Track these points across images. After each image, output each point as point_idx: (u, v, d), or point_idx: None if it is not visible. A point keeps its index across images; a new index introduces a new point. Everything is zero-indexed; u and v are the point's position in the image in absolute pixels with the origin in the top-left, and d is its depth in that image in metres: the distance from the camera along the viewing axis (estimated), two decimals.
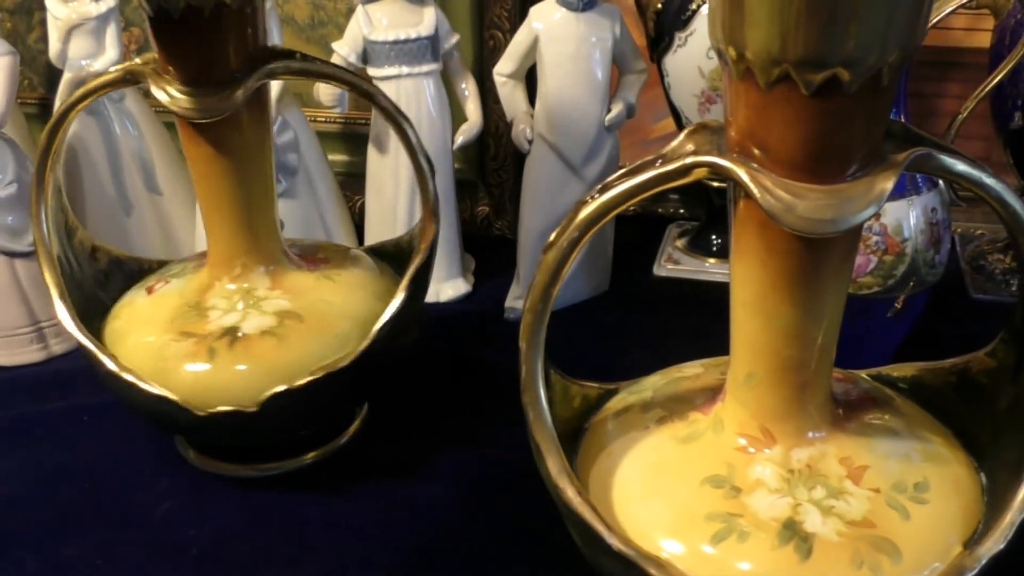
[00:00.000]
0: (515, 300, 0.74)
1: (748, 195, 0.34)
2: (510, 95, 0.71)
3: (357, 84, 0.50)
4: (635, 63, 0.70)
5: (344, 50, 0.71)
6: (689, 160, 0.35)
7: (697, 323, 0.69)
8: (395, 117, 0.51)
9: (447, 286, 0.76)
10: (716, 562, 0.37)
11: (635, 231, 0.84)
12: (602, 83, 0.69)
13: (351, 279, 0.56)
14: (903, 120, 0.60)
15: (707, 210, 0.80)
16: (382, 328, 0.51)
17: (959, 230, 0.83)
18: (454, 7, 0.80)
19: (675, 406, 0.43)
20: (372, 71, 0.71)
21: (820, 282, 0.36)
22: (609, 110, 0.69)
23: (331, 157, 0.81)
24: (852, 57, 0.31)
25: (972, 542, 0.38)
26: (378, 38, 0.70)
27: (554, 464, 0.39)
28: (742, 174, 0.34)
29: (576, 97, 0.68)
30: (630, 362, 0.65)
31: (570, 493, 0.39)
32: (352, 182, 0.82)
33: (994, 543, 0.37)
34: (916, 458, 0.40)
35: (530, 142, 0.70)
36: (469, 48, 0.81)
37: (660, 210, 0.87)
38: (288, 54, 0.49)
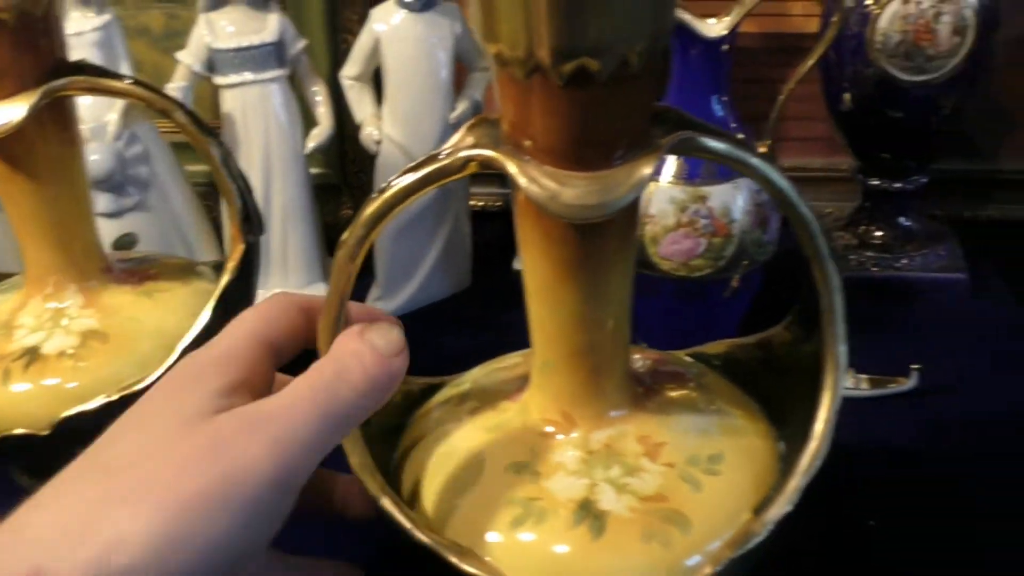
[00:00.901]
0: (375, 301, 0.74)
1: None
2: (357, 98, 0.71)
3: (152, 100, 0.50)
4: (479, 61, 0.71)
5: (188, 59, 0.71)
6: (462, 154, 0.36)
7: None
8: (195, 133, 0.51)
9: (309, 291, 0.76)
10: (514, 546, 0.37)
11: (497, 226, 0.85)
12: (445, 82, 0.70)
13: (174, 296, 0.55)
14: (728, 105, 0.62)
15: None
16: (186, 348, 0.50)
17: None
18: (306, 12, 0.80)
19: (488, 396, 0.44)
20: (218, 79, 0.71)
21: (601, 268, 0.37)
22: (454, 108, 0.70)
23: (192, 168, 0.80)
24: (597, 47, 0.31)
25: (761, 508, 0.39)
26: (221, 46, 0.70)
27: (356, 458, 0.40)
28: (509, 165, 0.35)
29: (420, 97, 0.69)
30: (490, 356, 0.66)
31: (371, 485, 0.39)
32: (216, 192, 0.82)
33: (779, 508, 0.38)
34: (714, 432, 0.41)
35: (378, 143, 0.70)
36: (324, 53, 0.81)
37: None
38: (77, 68, 0.48)
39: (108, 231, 0.71)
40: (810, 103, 0.77)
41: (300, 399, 0.35)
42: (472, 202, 0.80)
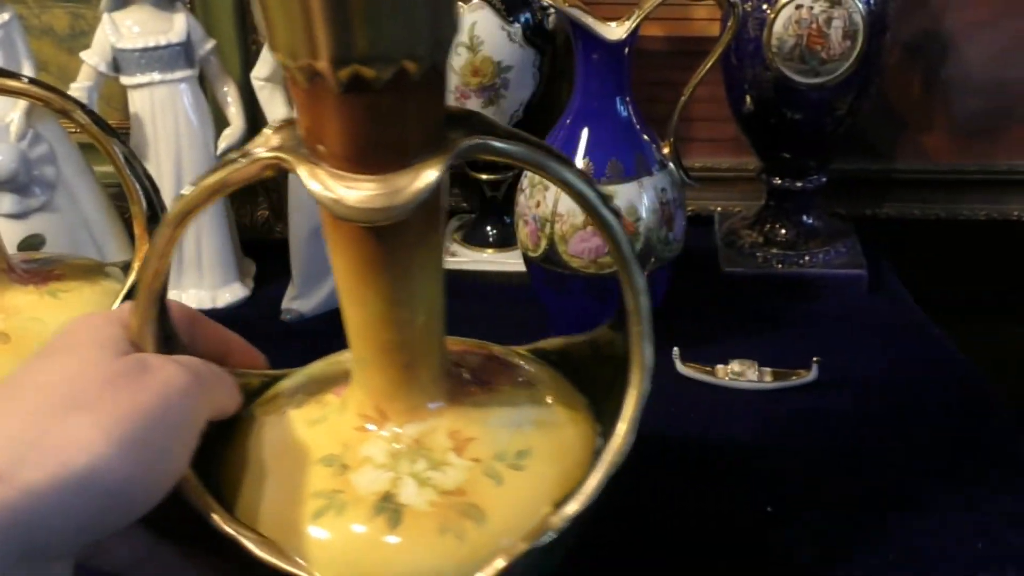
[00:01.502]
0: (291, 301, 0.74)
1: None
2: (268, 98, 0.71)
3: (51, 100, 0.50)
4: None
5: (93, 59, 0.70)
6: (258, 157, 0.37)
7: (479, 312, 0.71)
8: (96, 133, 0.51)
9: (224, 292, 0.77)
10: (314, 537, 0.38)
11: None
12: None
13: (80, 297, 0.55)
14: (632, 106, 0.63)
15: (480, 202, 0.83)
16: None
17: (720, 208, 0.88)
18: (215, 11, 0.80)
19: (317, 390, 0.44)
20: (124, 79, 0.71)
21: (402, 269, 0.38)
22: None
23: (103, 169, 0.79)
24: (372, 55, 0.32)
25: (560, 504, 0.40)
26: (127, 46, 0.70)
27: None
28: (300, 169, 0.35)
29: None
30: None
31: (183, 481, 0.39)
32: None
33: (577, 503, 0.39)
34: (527, 427, 0.42)
35: None
36: (234, 53, 0.81)
37: None
38: None
39: (13, 232, 0.70)
40: (717, 105, 0.79)
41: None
42: None
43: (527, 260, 0.68)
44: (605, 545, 0.51)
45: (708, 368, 0.65)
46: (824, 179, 0.76)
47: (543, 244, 0.64)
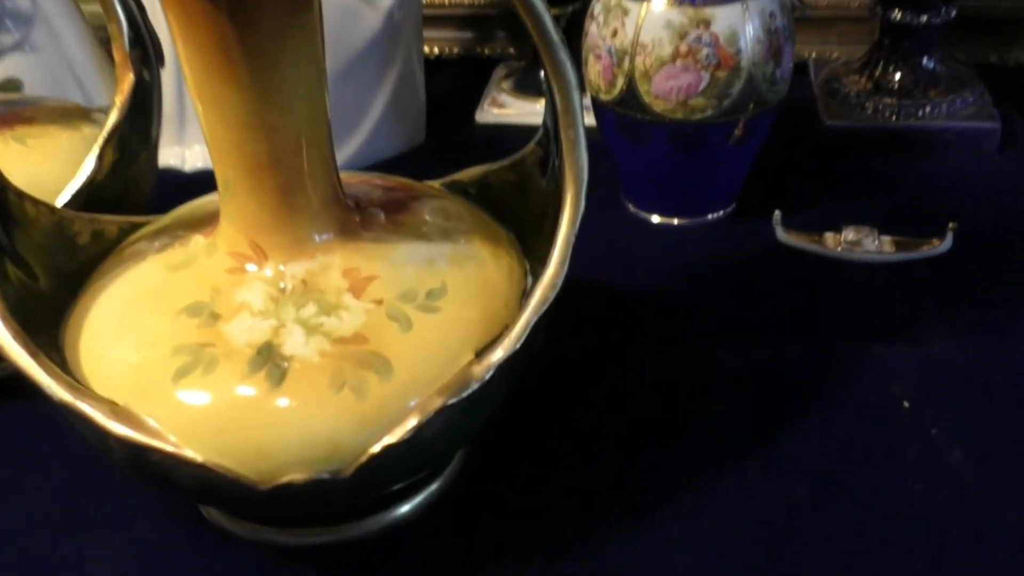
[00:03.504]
0: None
1: None
2: None
3: None
4: None
5: None
6: None
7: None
8: None
9: (199, 151, 0.65)
10: (179, 401, 0.32)
11: (456, 76, 0.75)
12: None
13: (54, 143, 0.48)
14: None
15: (535, 46, 0.70)
16: (68, 203, 0.43)
17: (814, 54, 0.75)
18: None
19: (184, 231, 0.38)
20: None
21: (266, 58, 0.31)
22: None
23: (89, 7, 0.67)
24: None
25: (484, 350, 0.33)
26: None
27: None
28: None
29: None
30: None
31: (3, 341, 0.33)
32: None
33: (505, 349, 0.33)
34: (441, 263, 0.36)
35: None
36: None
37: (486, 51, 0.77)
38: None
39: None
40: None
41: None
42: (425, 49, 0.69)
43: (597, 106, 0.56)
44: (554, 408, 0.45)
45: (815, 236, 0.54)
46: (953, 13, 0.63)
47: (619, 83, 0.53)
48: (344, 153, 0.65)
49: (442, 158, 0.67)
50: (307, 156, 0.33)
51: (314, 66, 0.32)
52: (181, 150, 0.66)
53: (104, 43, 0.67)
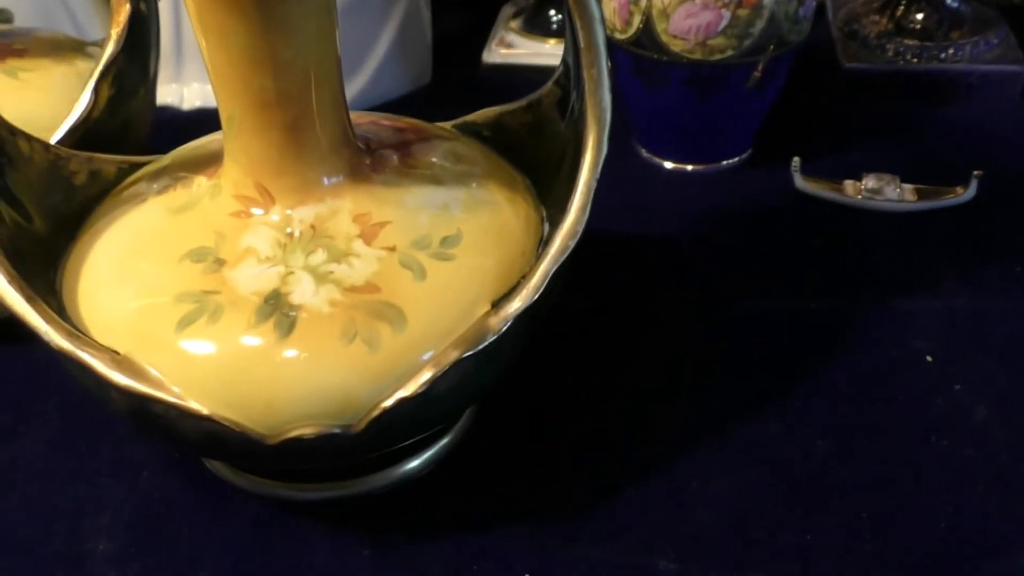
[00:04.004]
0: None
1: None
2: None
3: None
4: None
5: None
6: None
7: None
8: None
9: (196, 89, 0.63)
10: (183, 351, 0.31)
11: (461, 15, 0.73)
12: None
13: (46, 77, 0.46)
14: None
15: None
16: (62, 140, 0.41)
17: None
18: None
19: (186, 172, 0.36)
20: None
21: None
22: None
23: None
24: None
25: (501, 300, 0.32)
26: None
27: None
28: None
29: None
30: None
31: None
32: None
33: (522, 300, 0.31)
34: (456, 209, 0.34)
35: None
36: None
37: None
38: None
39: None
40: None
41: None
42: None
43: (611, 45, 0.54)
44: (567, 362, 0.44)
45: (835, 183, 0.53)
46: None
47: (636, 22, 0.50)
48: (348, 92, 0.62)
49: (449, 98, 0.66)
50: (316, 93, 0.32)
51: None
52: (179, 88, 0.64)
53: None
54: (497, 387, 0.35)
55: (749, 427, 0.40)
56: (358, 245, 0.32)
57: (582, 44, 0.32)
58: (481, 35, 0.70)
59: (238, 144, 0.33)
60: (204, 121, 0.62)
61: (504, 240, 0.34)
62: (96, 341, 0.31)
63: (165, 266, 0.32)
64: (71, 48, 0.49)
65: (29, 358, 0.45)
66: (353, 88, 0.63)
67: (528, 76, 0.66)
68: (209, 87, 0.63)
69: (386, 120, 0.39)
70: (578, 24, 0.32)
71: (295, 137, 0.32)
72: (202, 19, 0.30)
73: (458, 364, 0.30)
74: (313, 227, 0.32)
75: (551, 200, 0.37)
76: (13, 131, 0.35)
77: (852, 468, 0.38)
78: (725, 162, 0.57)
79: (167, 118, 0.63)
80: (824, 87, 0.63)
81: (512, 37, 0.69)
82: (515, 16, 0.71)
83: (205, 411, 0.30)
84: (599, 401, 0.42)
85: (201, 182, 0.35)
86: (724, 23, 0.49)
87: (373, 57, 0.63)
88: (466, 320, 0.31)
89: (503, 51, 0.68)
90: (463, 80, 0.67)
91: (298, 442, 0.30)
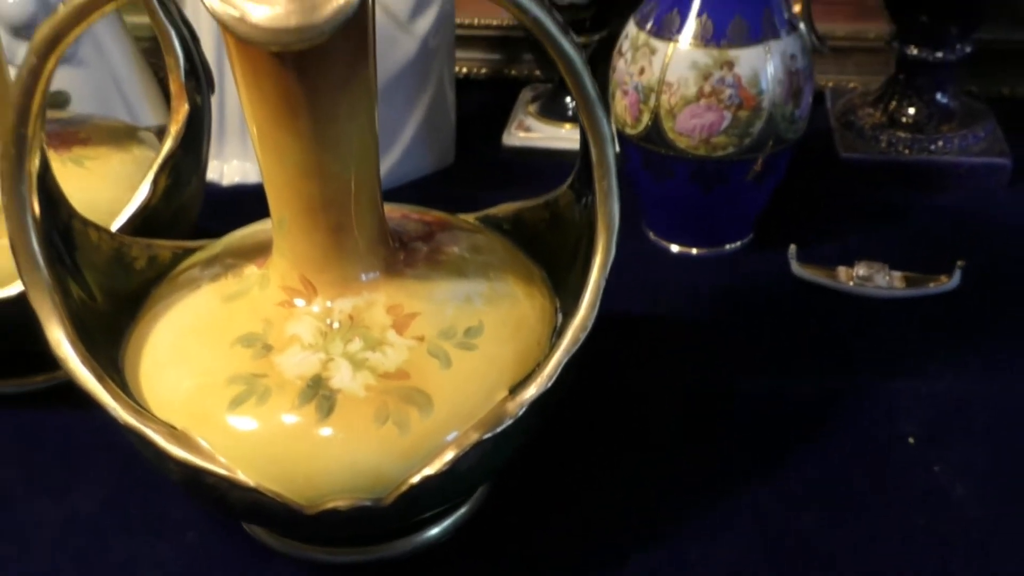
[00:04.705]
0: None
1: None
2: None
3: None
4: None
5: None
6: None
7: None
8: None
9: (236, 166, 0.67)
10: (233, 428, 0.34)
11: (483, 96, 0.77)
12: None
13: (108, 165, 0.49)
14: None
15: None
16: (123, 227, 0.45)
17: (831, 84, 0.77)
18: None
19: (236, 261, 0.40)
20: None
21: (326, 109, 0.33)
22: None
23: (134, 19, 0.70)
24: None
25: (517, 387, 0.35)
26: None
27: (54, 332, 0.35)
28: None
29: None
30: None
31: (72, 364, 0.35)
32: None
33: (537, 387, 0.35)
34: (478, 301, 0.38)
35: None
36: None
37: (513, 72, 0.79)
38: None
39: None
40: None
41: None
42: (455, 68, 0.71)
43: (622, 139, 0.58)
44: (576, 438, 0.47)
45: (829, 270, 0.56)
46: (968, 50, 0.65)
47: (645, 119, 0.55)
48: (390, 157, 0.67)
49: (471, 178, 0.69)
50: (356, 199, 0.35)
51: (368, 115, 0.34)
52: (219, 164, 0.67)
53: (147, 54, 0.70)
54: (512, 463, 0.39)
55: (746, 497, 0.43)
56: (391, 335, 0.36)
57: (595, 159, 0.36)
58: (501, 115, 0.74)
59: (287, 243, 0.36)
60: (242, 196, 0.66)
61: (521, 331, 0.37)
62: (156, 416, 0.35)
63: (218, 349, 0.36)
64: (126, 135, 0.53)
65: (83, 419, 0.48)
66: (382, 168, 0.66)
67: (545, 159, 0.70)
68: (247, 164, 0.67)
69: (415, 214, 0.42)
70: (591, 141, 0.35)
71: (337, 238, 0.35)
72: (262, 138, 0.34)
73: (478, 445, 0.34)
74: (351, 317, 0.36)
75: (564, 287, 0.40)
76: (85, 222, 0.39)
77: (838, 540, 0.41)
78: (728, 246, 0.60)
79: (208, 193, 0.66)
80: (822, 175, 0.67)
81: (530, 121, 0.72)
82: (533, 100, 0.75)
83: (252, 483, 0.33)
84: (604, 473, 0.45)
85: (252, 271, 0.38)
86: (726, 123, 0.53)
87: (401, 140, 0.66)
88: (486, 405, 0.35)
89: (522, 134, 0.71)
90: (484, 161, 0.71)
91: (334, 513, 0.33)
